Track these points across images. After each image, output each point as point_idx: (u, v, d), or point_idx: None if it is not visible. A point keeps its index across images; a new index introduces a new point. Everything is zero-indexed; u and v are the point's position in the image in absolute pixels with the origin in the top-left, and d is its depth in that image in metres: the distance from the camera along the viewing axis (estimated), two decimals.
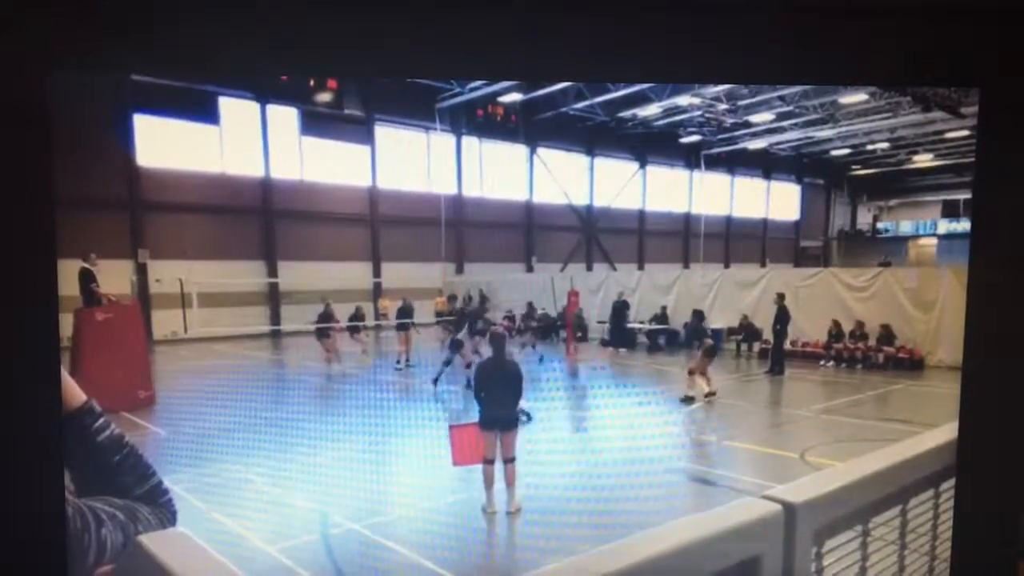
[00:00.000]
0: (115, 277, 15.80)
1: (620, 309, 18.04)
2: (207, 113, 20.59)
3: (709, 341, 11.22)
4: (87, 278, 10.33)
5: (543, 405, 9.90)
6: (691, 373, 10.84)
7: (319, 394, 11.51)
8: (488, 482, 5.85)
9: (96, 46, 2.16)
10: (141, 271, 19.36)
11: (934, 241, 37.33)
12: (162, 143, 19.83)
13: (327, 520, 5.64)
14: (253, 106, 21.58)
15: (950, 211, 37.71)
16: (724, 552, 1.94)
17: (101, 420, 1.34)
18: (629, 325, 18.52)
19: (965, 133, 26.66)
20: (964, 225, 33.81)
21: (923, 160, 34.31)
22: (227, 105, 21.05)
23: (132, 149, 19.32)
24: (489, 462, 5.85)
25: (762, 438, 8.24)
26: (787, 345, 15.92)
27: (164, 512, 1.47)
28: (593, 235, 30.31)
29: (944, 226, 37.52)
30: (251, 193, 21.73)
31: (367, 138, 23.90)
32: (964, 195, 35.03)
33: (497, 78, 18.32)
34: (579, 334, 12.28)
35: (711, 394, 10.55)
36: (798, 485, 2.27)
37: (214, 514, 5.38)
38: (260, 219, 22.00)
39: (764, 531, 2.06)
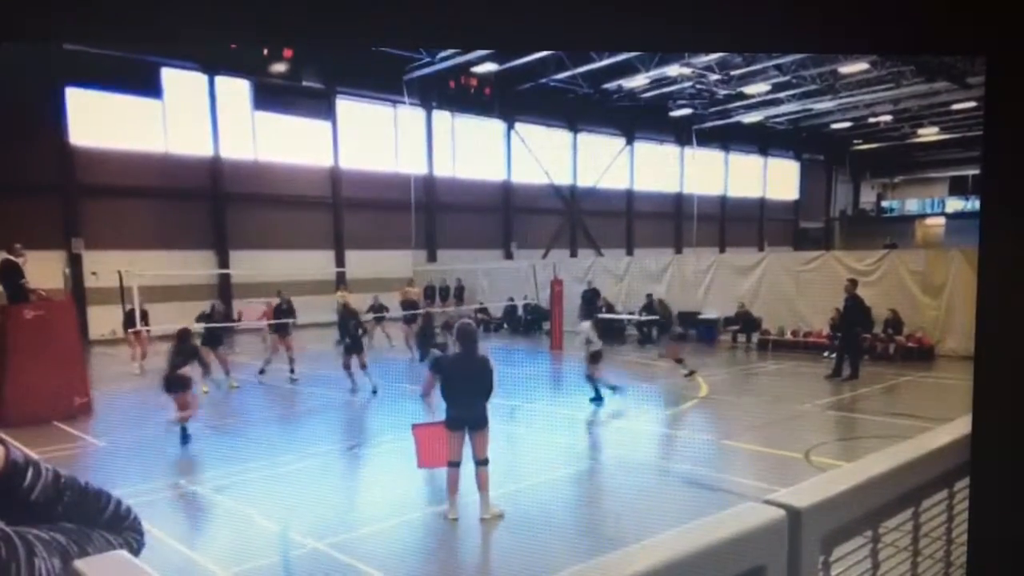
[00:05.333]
0: (46, 270, 15.45)
1: (590, 298, 18.13)
2: (148, 86, 20.16)
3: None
4: (12, 272, 10.06)
5: (528, 405, 9.92)
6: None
7: (276, 399, 11.41)
8: (451, 487, 5.81)
9: (23, 11, 2.08)
10: (75, 263, 18.99)
11: (942, 220, 38.03)
12: (98, 120, 19.39)
13: (287, 540, 5.59)
14: (200, 78, 21.18)
15: (958, 188, 38.47)
16: (724, 563, 1.93)
17: (30, 474, 1.26)
18: (615, 316, 18.63)
19: (972, 104, 27.11)
20: (974, 203, 34.51)
21: (929, 134, 34.88)
22: (170, 77, 20.64)
23: (64, 127, 18.87)
24: (454, 465, 5.81)
25: (763, 437, 8.34)
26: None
27: (130, 535, 1.42)
28: (577, 218, 30.37)
29: (952, 204, 38.27)
30: (198, 175, 21.38)
31: (327, 113, 23.62)
32: (973, 171, 35.72)
33: (473, 47, 18.19)
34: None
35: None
36: (803, 488, 2.27)
37: (160, 535, 5.31)
38: (209, 204, 21.66)
39: (767, 539, 2.06)
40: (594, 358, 10.11)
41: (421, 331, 9.70)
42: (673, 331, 12.16)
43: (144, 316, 14.23)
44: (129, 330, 14.14)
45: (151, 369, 13.29)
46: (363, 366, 10.95)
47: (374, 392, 10.80)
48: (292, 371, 12.14)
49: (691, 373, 11.96)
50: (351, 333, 11.11)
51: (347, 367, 11.00)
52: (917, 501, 2.46)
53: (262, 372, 12.16)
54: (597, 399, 10.10)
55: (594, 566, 1.73)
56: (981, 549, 2.35)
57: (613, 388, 10.34)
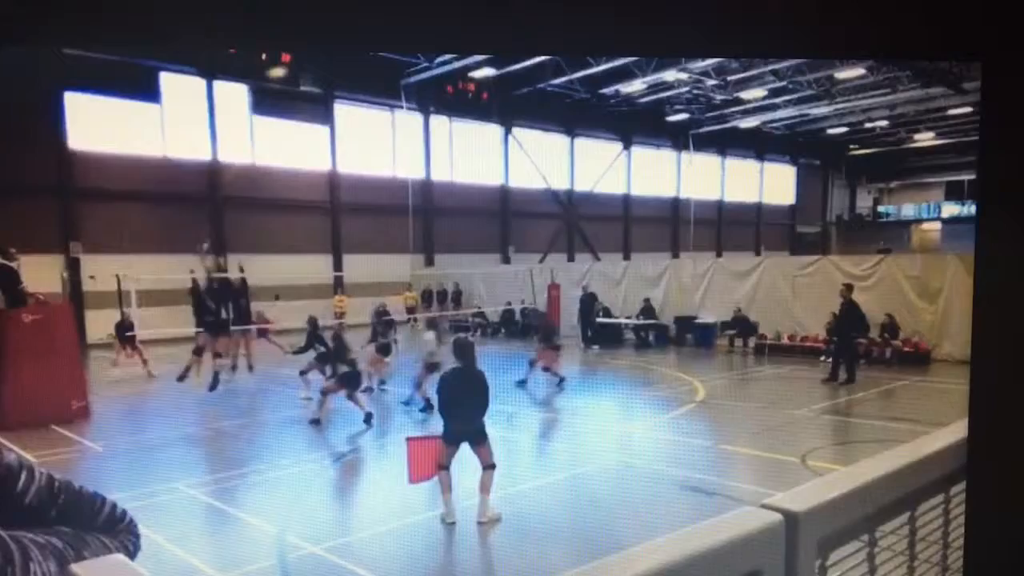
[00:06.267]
0: (44, 274, 15.42)
1: (587, 302, 18.10)
2: (146, 90, 20.16)
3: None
4: (7, 276, 10.03)
5: (522, 410, 9.92)
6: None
7: (272, 403, 11.38)
8: (444, 488, 5.82)
9: (22, 15, 2.07)
10: (73, 267, 18.96)
11: (938, 225, 38.11)
12: (97, 124, 19.37)
13: (284, 543, 5.58)
14: (198, 82, 21.18)
15: (955, 193, 38.56)
16: (721, 567, 1.93)
17: (24, 478, 1.25)
18: (612, 321, 18.64)
19: (968, 109, 27.20)
20: (970, 208, 34.57)
21: (925, 139, 34.96)
22: (169, 81, 20.64)
23: (63, 131, 18.86)
24: (444, 468, 5.83)
25: (760, 441, 8.33)
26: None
27: (126, 539, 1.42)
28: (575, 222, 30.39)
29: (948, 209, 38.34)
30: (197, 179, 21.36)
31: (325, 117, 23.62)
32: (969, 176, 35.80)
33: (471, 51, 18.19)
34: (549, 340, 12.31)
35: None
36: (800, 492, 2.27)
37: (156, 538, 5.29)
38: (207, 208, 21.64)
39: (764, 543, 2.05)
40: (429, 368, 9.82)
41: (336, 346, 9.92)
42: (553, 340, 12.26)
43: (131, 326, 14.04)
44: (119, 335, 13.96)
45: (128, 378, 13.09)
46: (306, 371, 11.03)
47: (308, 398, 10.63)
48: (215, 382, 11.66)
49: (522, 375, 11.75)
50: (323, 342, 11.12)
51: (304, 373, 10.95)
52: (913, 505, 2.46)
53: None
54: (425, 408, 9.78)
55: (591, 570, 1.73)
56: (977, 553, 2.35)
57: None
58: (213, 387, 11.09)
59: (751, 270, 17.26)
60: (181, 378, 11.46)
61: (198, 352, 11.59)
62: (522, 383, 11.64)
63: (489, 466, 5.84)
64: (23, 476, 1.22)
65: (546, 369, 11.78)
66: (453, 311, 22.48)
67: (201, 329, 11.90)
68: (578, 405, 10.99)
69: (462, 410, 5.82)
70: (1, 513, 1.18)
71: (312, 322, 11.55)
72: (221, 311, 12.02)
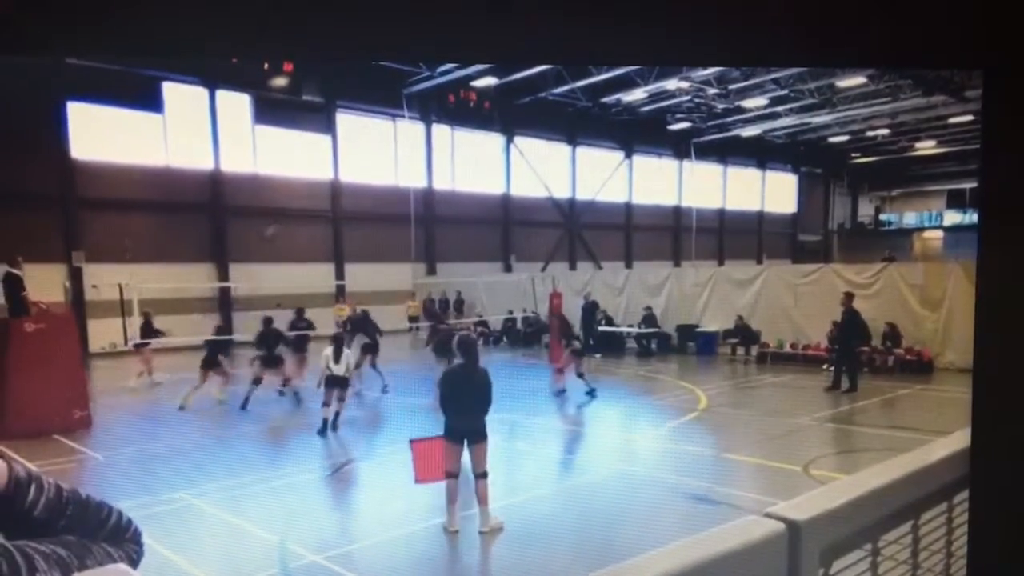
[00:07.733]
0: (46, 282, 15.44)
1: (589, 311, 18.10)
2: (149, 100, 20.24)
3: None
4: (13, 284, 10.07)
5: (524, 418, 9.90)
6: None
7: (273, 412, 11.37)
8: (451, 498, 5.80)
9: (26, 23, 2.09)
10: (76, 276, 18.99)
11: (940, 234, 38.09)
12: (99, 133, 19.45)
13: (286, 552, 5.57)
14: (201, 92, 21.27)
15: (956, 201, 38.56)
16: None
17: (33, 490, 1.26)
18: (614, 329, 18.63)
19: (969, 118, 27.22)
20: (972, 216, 34.52)
21: (926, 147, 34.99)
22: (171, 91, 20.73)
23: (65, 140, 18.94)
24: (452, 476, 5.80)
25: (763, 450, 8.32)
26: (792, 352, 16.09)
27: (131, 548, 1.43)
28: (576, 231, 30.42)
29: (950, 217, 38.34)
30: (199, 188, 21.42)
31: (327, 127, 23.70)
32: (970, 184, 35.80)
33: (473, 61, 18.28)
34: (567, 341, 12.49)
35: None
36: (802, 501, 2.28)
37: (159, 547, 5.29)
38: (209, 217, 21.69)
39: (767, 552, 2.06)
40: (329, 382, 9.60)
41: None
42: (573, 344, 12.42)
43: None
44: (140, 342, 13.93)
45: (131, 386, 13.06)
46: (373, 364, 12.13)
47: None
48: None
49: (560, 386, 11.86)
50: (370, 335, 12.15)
51: (359, 365, 11.53)
52: (916, 514, 2.46)
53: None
54: (322, 432, 9.58)
55: None
56: (980, 561, 2.34)
57: (331, 428, 9.69)
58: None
59: (753, 278, 17.25)
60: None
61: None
62: (562, 392, 11.78)
63: (482, 475, 5.79)
64: (32, 489, 1.23)
65: (580, 375, 11.81)
66: (455, 319, 22.47)
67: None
68: (581, 414, 10.96)
69: (463, 407, 5.79)
70: (10, 525, 1.18)
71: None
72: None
